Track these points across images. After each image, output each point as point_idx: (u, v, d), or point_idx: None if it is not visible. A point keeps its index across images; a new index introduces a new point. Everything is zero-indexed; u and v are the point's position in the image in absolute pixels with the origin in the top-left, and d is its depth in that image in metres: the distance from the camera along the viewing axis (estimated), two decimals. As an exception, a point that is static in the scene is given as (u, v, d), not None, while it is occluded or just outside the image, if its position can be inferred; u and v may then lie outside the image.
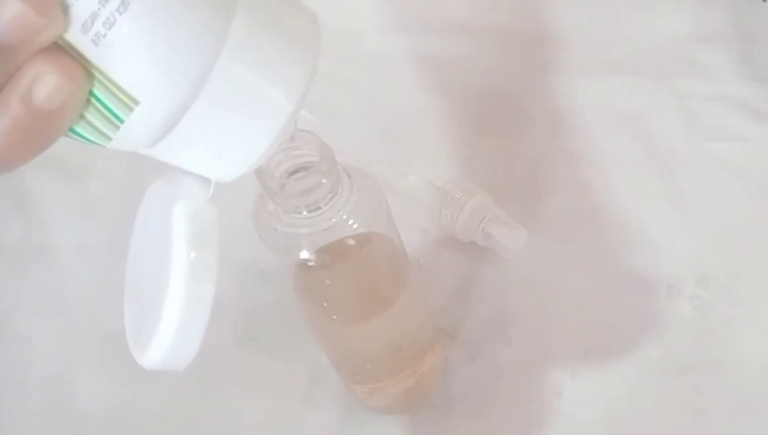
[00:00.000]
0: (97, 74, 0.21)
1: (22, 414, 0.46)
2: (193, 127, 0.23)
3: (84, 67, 0.21)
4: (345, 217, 0.33)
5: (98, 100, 0.22)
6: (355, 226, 0.34)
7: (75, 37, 0.21)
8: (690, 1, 0.55)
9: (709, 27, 0.54)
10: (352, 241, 0.35)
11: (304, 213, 0.33)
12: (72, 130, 0.22)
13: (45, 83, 0.20)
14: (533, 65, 0.54)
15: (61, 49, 0.21)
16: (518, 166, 0.51)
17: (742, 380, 0.43)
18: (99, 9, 0.21)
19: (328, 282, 0.37)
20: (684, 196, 0.49)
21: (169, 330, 0.24)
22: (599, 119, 0.52)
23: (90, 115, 0.22)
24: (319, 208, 0.33)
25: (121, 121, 0.22)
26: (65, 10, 0.20)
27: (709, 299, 0.46)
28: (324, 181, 0.32)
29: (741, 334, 0.45)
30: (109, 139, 0.23)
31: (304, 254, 0.34)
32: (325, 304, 0.38)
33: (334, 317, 0.39)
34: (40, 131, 0.21)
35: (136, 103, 0.22)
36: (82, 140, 0.23)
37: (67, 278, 0.50)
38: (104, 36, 0.21)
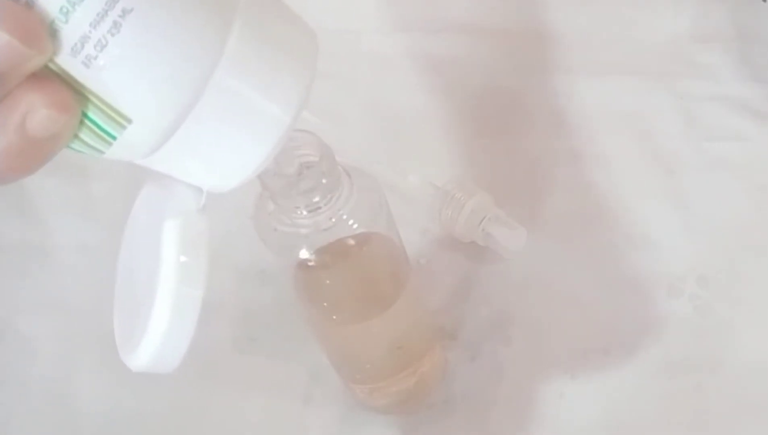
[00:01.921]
0: (88, 95, 0.21)
1: (22, 414, 0.46)
2: (187, 139, 0.23)
3: (76, 91, 0.21)
4: (345, 217, 0.33)
5: (90, 120, 0.22)
6: (355, 226, 0.34)
7: (64, 60, 0.21)
8: (690, 1, 0.55)
9: (709, 27, 0.54)
10: (352, 241, 0.35)
11: (304, 213, 0.33)
12: None
13: (38, 115, 0.21)
14: (533, 65, 0.54)
15: (52, 75, 0.21)
16: (518, 166, 0.51)
17: (742, 380, 0.43)
18: (90, 32, 0.20)
19: (328, 282, 0.37)
20: (684, 196, 0.49)
21: (158, 333, 0.24)
22: (599, 119, 0.52)
23: (83, 134, 0.22)
24: (319, 208, 0.33)
25: (114, 139, 0.22)
26: (53, 34, 0.20)
27: (709, 299, 0.46)
28: (324, 181, 0.32)
29: (741, 334, 0.45)
30: (102, 153, 0.23)
31: (304, 254, 0.34)
32: (325, 304, 0.38)
33: (334, 317, 0.39)
34: (33, 155, 0.21)
35: (129, 121, 0.22)
36: (75, 152, 0.23)
37: (67, 278, 0.50)
38: (95, 58, 0.21)
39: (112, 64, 0.21)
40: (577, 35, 0.55)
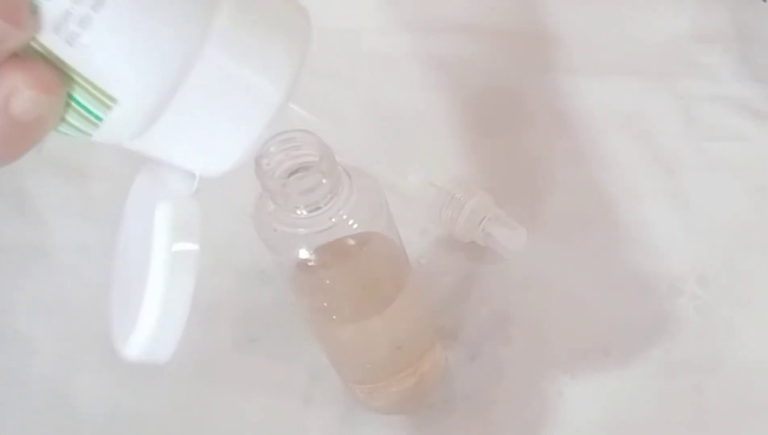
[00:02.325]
0: (73, 75, 0.21)
1: (22, 414, 0.46)
2: (176, 120, 0.22)
3: (60, 72, 0.21)
4: (345, 217, 0.33)
5: (76, 101, 0.21)
6: (355, 226, 0.34)
7: (48, 38, 0.20)
8: (690, 1, 0.55)
9: (709, 27, 0.54)
10: (352, 241, 0.35)
11: (304, 213, 0.33)
12: None
13: (21, 97, 0.20)
14: (533, 65, 0.54)
15: (35, 55, 0.20)
16: (518, 166, 0.51)
17: (742, 380, 0.43)
18: (73, 7, 0.20)
19: (327, 282, 0.37)
20: (684, 196, 0.49)
21: (149, 322, 0.24)
22: (599, 119, 0.52)
23: (68, 116, 0.22)
24: (319, 208, 0.33)
25: (100, 120, 0.22)
26: (35, 10, 0.20)
27: (709, 299, 0.46)
28: (324, 181, 0.32)
29: (741, 334, 0.45)
30: (89, 135, 0.22)
31: (304, 254, 0.34)
32: (324, 304, 0.38)
33: (334, 317, 0.39)
34: (18, 139, 0.21)
35: (115, 101, 0.21)
36: (62, 135, 0.22)
37: (67, 278, 0.50)
38: (79, 36, 0.20)
39: (97, 41, 0.20)
40: (577, 35, 0.55)
